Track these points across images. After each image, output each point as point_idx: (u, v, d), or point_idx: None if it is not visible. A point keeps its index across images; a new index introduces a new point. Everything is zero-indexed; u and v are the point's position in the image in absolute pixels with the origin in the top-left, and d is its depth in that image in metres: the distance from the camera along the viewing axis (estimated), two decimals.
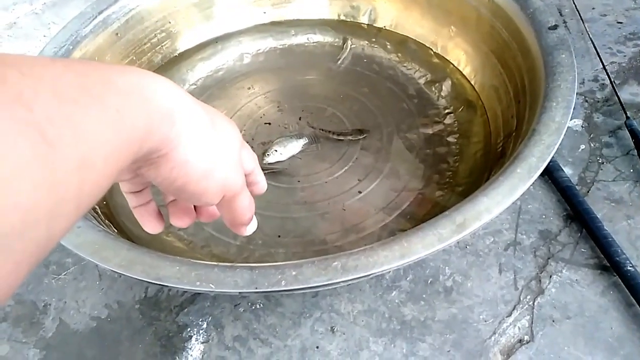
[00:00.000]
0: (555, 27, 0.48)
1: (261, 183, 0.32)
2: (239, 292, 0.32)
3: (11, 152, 0.11)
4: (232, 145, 0.26)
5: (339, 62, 0.68)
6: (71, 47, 0.55)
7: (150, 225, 0.29)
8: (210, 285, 0.32)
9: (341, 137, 0.58)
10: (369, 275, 0.32)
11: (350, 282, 0.37)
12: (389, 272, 0.48)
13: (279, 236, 0.50)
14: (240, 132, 0.60)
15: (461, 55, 0.62)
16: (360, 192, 0.53)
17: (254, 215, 0.31)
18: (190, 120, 0.21)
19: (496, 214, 0.34)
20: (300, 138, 0.58)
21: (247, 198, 0.28)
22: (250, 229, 0.31)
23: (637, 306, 0.42)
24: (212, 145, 0.23)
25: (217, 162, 0.24)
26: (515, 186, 0.35)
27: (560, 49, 0.45)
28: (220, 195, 0.26)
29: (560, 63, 0.44)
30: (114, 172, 0.16)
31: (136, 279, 0.33)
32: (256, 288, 0.31)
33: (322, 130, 0.58)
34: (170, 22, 0.66)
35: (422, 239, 0.33)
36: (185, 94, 0.22)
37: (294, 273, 0.32)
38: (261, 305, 0.46)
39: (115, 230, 0.45)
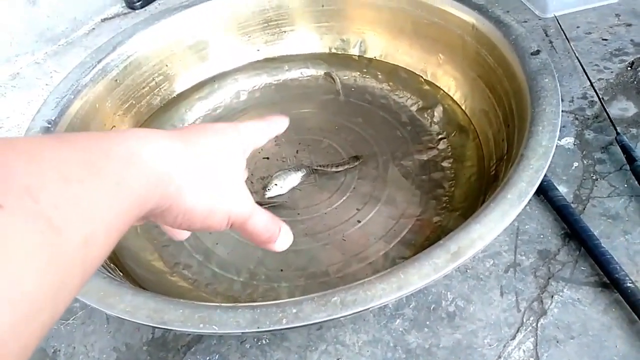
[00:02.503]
0: (537, 52, 0.49)
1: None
2: (242, 333, 0.32)
3: (18, 246, 0.12)
4: (234, 172, 0.27)
5: (341, 96, 0.70)
6: (72, 97, 0.57)
7: (177, 234, 0.31)
8: (214, 327, 0.32)
9: (339, 169, 0.59)
10: (368, 309, 0.33)
11: (352, 316, 0.38)
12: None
13: (282, 270, 0.51)
14: None
15: (450, 82, 0.63)
16: (359, 222, 0.54)
17: (287, 230, 0.31)
18: (187, 172, 0.23)
19: (489, 240, 0.35)
20: (298, 170, 0.59)
21: (261, 220, 0.29)
22: (280, 244, 0.31)
23: None
24: (211, 186, 0.25)
25: (218, 200, 0.25)
26: (507, 212, 0.36)
27: (544, 73, 0.47)
28: (228, 224, 0.27)
29: (544, 87, 0.45)
30: (116, 238, 0.18)
31: (141, 324, 0.34)
32: (258, 327, 0.32)
33: (320, 166, 0.59)
34: (167, 65, 0.68)
35: (418, 269, 0.34)
36: (179, 148, 0.23)
37: (294, 310, 0.33)
38: (267, 341, 0.47)
39: (121, 274, 0.46)
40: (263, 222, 0.29)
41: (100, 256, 0.17)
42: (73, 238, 0.15)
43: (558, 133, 0.41)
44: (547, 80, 0.46)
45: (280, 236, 0.31)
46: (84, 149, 0.17)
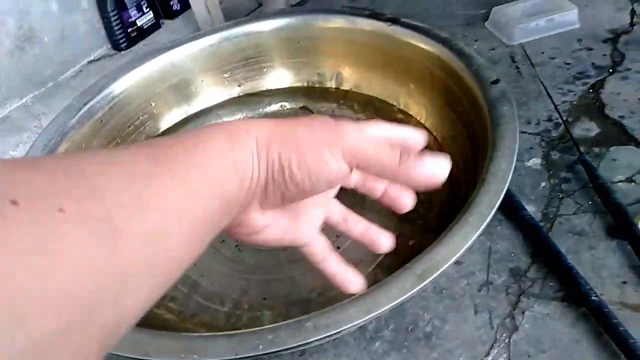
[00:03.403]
0: (497, 81, 0.53)
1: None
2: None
3: (72, 251, 0.13)
4: (331, 130, 0.27)
5: None
6: (60, 139, 0.59)
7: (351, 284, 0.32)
8: (194, 356, 0.34)
9: None
10: (340, 331, 0.35)
11: (326, 340, 0.40)
12: (372, 323, 0.50)
13: (265, 299, 0.52)
14: None
15: (422, 110, 0.67)
16: (338, 248, 0.56)
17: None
18: (285, 133, 0.24)
19: (452, 261, 0.37)
20: None
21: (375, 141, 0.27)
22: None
23: (606, 334, 0.45)
24: (312, 137, 0.26)
25: (328, 136, 0.26)
26: (468, 233, 0.38)
27: (502, 101, 0.50)
28: (347, 164, 0.26)
29: (503, 114, 0.48)
30: (198, 238, 0.17)
31: (125, 356, 0.35)
32: (236, 354, 0.34)
33: None
34: (151, 104, 0.71)
35: (386, 292, 0.36)
36: (264, 126, 0.25)
37: (270, 337, 0.34)
38: None
39: None
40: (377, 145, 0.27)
41: (177, 255, 0.16)
42: (134, 238, 0.15)
43: (515, 157, 0.44)
44: (505, 107, 0.49)
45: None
46: (152, 144, 0.18)
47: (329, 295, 0.52)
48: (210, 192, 0.19)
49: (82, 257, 0.13)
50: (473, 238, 0.38)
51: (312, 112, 0.75)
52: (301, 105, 0.76)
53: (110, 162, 0.15)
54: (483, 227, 0.39)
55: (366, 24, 0.69)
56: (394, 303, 0.35)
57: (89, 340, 0.14)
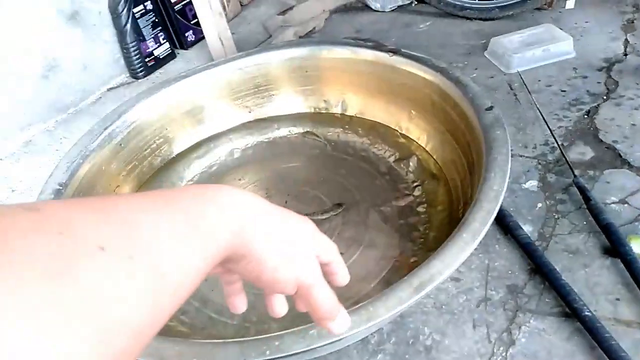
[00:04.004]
0: (491, 108, 0.56)
1: (341, 273, 0.33)
2: None
3: (135, 289, 0.17)
4: (304, 240, 0.29)
5: (327, 147, 0.77)
6: (81, 161, 0.63)
7: (232, 303, 0.33)
8: None
9: (324, 216, 0.65)
10: (341, 338, 0.37)
11: (329, 348, 0.42)
12: (374, 336, 0.52)
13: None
14: None
15: (423, 135, 0.70)
16: None
17: (346, 314, 0.32)
18: (261, 227, 0.26)
19: (447, 275, 0.39)
20: None
21: (324, 292, 0.29)
22: (338, 326, 0.31)
23: (599, 349, 0.46)
24: (283, 241, 0.28)
25: (287, 256, 0.28)
26: (462, 249, 0.41)
27: (496, 126, 0.53)
28: (295, 285, 0.28)
29: (496, 139, 0.51)
30: (199, 282, 0.22)
31: None
32: (245, 359, 0.36)
33: (307, 214, 0.64)
34: (167, 129, 0.75)
35: (384, 302, 0.38)
36: (258, 205, 0.27)
37: (276, 343, 0.37)
38: None
39: None
40: (327, 295, 0.29)
41: (184, 297, 0.21)
42: (170, 282, 0.19)
43: (507, 178, 0.47)
44: (498, 132, 0.52)
45: (339, 317, 0.31)
46: (186, 209, 0.22)
47: None
48: (221, 250, 0.24)
49: (140, 294, 0.18)
50: (468, 254, 0.40)
51: (317, 136, 0.79)
52: (306, 130, 0.80)
53: (156, 222, 0.20)
54: (476, 243, 0.41)
55: (369, 55, 0.73)
56: (392, 313, 0.38)
57: (135, 356, 0.18)
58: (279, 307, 0.33)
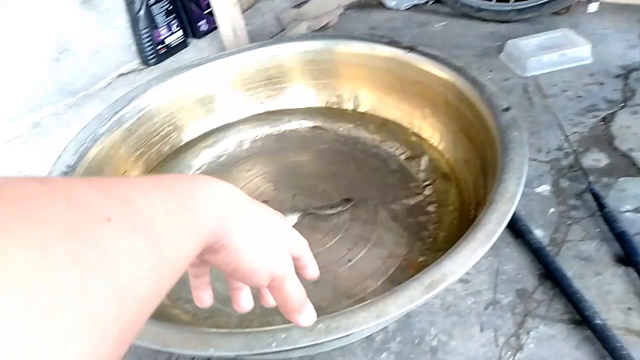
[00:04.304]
0: (508, 109, 0.55)
1: (311, 267, 0.34)
2: (236, 355, 0.36)
3: (138, 258, 0.18)
4: (278, 234, 0.31)
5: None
6: (90, 144, 0.63)
7: (199, 298, 0.33)
8: (211, 349, 0.36)
9: (332, 211, 0.64)
10: (349, 334, 0.36)
11: (336, 343, 0.41)
12: (379, 334, 0.51)
13: (277, 306, 0.54)
14: None
15: (435, 134, 0.69)
16: (350, 261, 0.58)
17: (312, 308, 0.33)
18: (242, 218, 0.27)
19: (459, 275, 0.39)
20: (295, 212, 0.64)
21: (296, 285, 0.31)
22: (306, 318, 0.32)
23: (610, 357, 0.45)
24: (260, 234, 0.29)
25: (264, 248, 0.29)
26: (475, 250, 0.40)
27: (513, 127, 0.52)
28: (269, 277, 0.29)
29: (513, 140, 0.50)
30: (188, 264, 0.22)
31: (147, 347, 0.37)
32: (250, 350, 0.35)
33: (314, 208, 0.64)
34: (177, 117, 0.75)
35: (395, 300, 0.38)
36: (241, 198, 0.28)
37: (283, 336, 0.36)
38: None
39: None
40: (298, 288, 0.31)
41: (177, 277, 0.21)
42: (168, 258, 0.20)
43: (523, 180, 0.46)
44: (515, 133, 0.51)
45: (306, 310, 0.32)
46: (178, 193, 0.23)
47: (338, 307, 0.53)
48: (206, 237, 0.24)
49: (146, 265, 0.18)
50: (481, 255, 0.40)
51: (326, 130, 0.78)
52: (316, 125, 0.79)
53: (153, 200, 0.21)
54: (490, 244, 0.41)
55: (385, 51, 0.72)
56: (402, 310, 0.37)
57: (134, 335, 0.18)
58: (245, 302, 0.34)
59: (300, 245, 0.33)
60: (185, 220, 0.22)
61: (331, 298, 0.54)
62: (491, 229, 0.42)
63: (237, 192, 0.28)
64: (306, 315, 0.32)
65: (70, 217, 0.16)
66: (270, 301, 0.33)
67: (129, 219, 0.18)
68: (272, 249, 0.30)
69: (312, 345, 0.36)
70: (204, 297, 0.34)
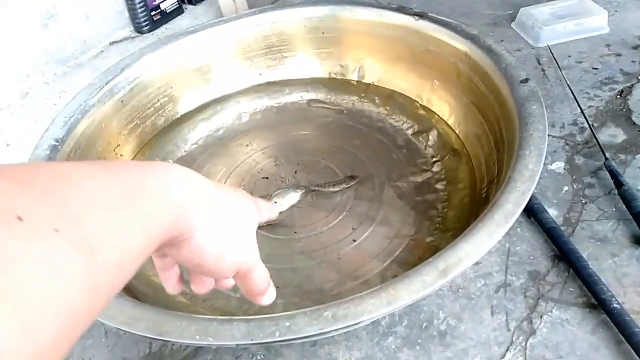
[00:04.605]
0: (526, 80, 0.51)
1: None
2: (236, 344, 0.34)
3: (64, 266, 0.15)
4: (246, 221, 0.29)
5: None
6: (80, 116, 0.59)
7: (170, 287, 0.32)
8: (209, 338, 0.34)
9: (335, 188, 0.61)
10: (358, 323, 0.34)
11: (342, 331, 0.39)
12: (385, 318, 0.49)
13: (278, 287, 0.51)
14: (239, 187, 0.63)
15: (445, 107, 0.66)
16: (354, 241, 0.55)
17: (272, 286, 0.33)
18: (206, 209, 0.25)
19: (476, 259, 0.36)
20: (297, 189, 0.61)
21: (262, 272, 0.31)
22: (268, 299, 0.32)
23: (626, 343, 0.43)
24: (227, 226, 0.27)
25: (229, 245, 0.27)
26: (493, 232, 0.38)
27: (532, 100, 0.49)
28: (235, 271, 0.28)
29: (532, 114, 0.47)
30: (141, 262, 0.20)
31: (140, 335, 0.35)
32: (252, 340, 0.33)
33: (317, 185, 0.61)
34: (172, 87, 0.71)
35: (407, 285, 0.35)
36: (203, 184, 0.25)
37: (287, 324, 0.34)
38: (262, 357, 0.48)
39: None
40: (263, 275, 0.31)
41: (126, 278, 0.19)
42: (107, 262, 0.17)
43: (544, 157, 0.43)
44: (534, 107, 0.48)
45: (269, 291, 0.32)
46: (123, 180, 0.19)
47: (342, 289, 0.51)
48: (160, 232, 0.21)
49: (72, 272, 0.15)
50: (499, 237, 0.37)
51: (329, 103, 0.74)
52: (316, 97, 0.76)
53: (88, 192, 0.17)
54: (509, 226, 0.38)
55: (393, 17, 0.68)
56: (416, 297, 0.34)
57: (72, 345, 0.16)
58: (179, 284, 0.32)
59: (270, 213, 0.33)
60: (130, 214, 0.19)
61: (335, 279, 0.52)
62: (510, 209, 0.39)
63: (198, 178, 0.25)
64: (268, 295, 0.32)
65: None
66: (201, 290, 0.32)
67: (50, 217, 0.15)
68: (240, 242, 0.28)
69: (318, 334, 0.34)
70: (176, 285, 0.32)
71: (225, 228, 0.26)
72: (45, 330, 0.14)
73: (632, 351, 0.43)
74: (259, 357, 0.48)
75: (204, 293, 0.32)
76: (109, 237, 0.17)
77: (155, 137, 0.69)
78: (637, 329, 0.43)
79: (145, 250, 0.20)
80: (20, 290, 0.13)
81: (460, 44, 0.61)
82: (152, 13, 1.02)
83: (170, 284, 0.32)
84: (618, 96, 0.72)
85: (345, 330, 0.37)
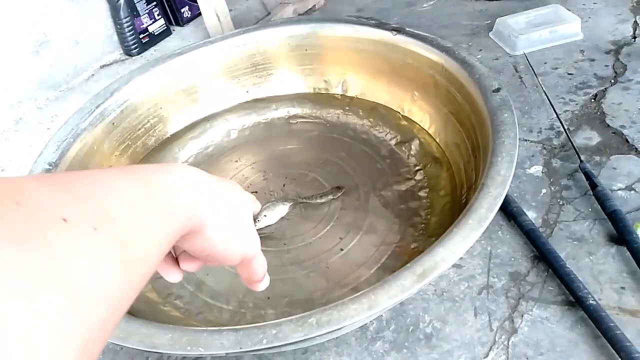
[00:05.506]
0: (498, 90, 0.54)
1: None
2: (226, 353, 0.35)
3: (103, 259, 0.17)
4: (246, 212, 0.31)
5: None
6: (72, 140, 0.61)
7: (171, 275, 0.33)
8: (200, 349, 0.35)
9: (323, 200, 0.63)
10: (341, 328, 0.36)
11: (328, 336, 0.41)
12: (373, 323, 0.51)
13: (269, 298, 0.54)
14: None
15: (425, 117, 0.68)
16: (342, 250, 0.57)
17: (267, 274, 0.34)
18: (214, 203, 0.27)
19: (452, 262, 0.38)
20: (285, 202, 0.63)
21: (262, 260, 0.33)
22: (263, 285, 0.34)
23: (603, 338, 0.45)
24: (232, 218, 0.29)
25: (236, 235, 0.29)
26: (468, 235, 0.39)
27: (503, 109, 0.51)
28: (240, 258, 0.31)
29: (504, 122, 0.49)
30: (164, 256, 0.22)
31: (134, 348, 0.37)
32: (240, 348, 0.35)
33: (305, 197, 0.63)
34: (161, 108, 0.73)
35: (387, 290, 0.37)
36: (209, 180, 0.28)
37: (274, 332, 0.36)
38: None
39: None
40: (263, 263, 0.33)
41: (150, 273, 0.20)
42: (137, 254, 0.19)
43: (515, 163, 0.45)
44: (506, 115, 0.50)
45: (265, 278, 0.34)
46: (145, 183, 0.22)
47: (331, 297, 0.53)
48: (179, 228, 0.23)
49: (110, 264, 0.17)
50: (473, 241, 0.39)
51: (315, 117, 0.76)
52: (301, 112, 0.78)
53: (116, 193, 0.20)
54: (482, 230, 0.40)
55: (372, 33, 0.70)
56: (395, 301, 0.36)
57: (110, 335, 0.17)
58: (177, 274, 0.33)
59: (257, 205, 0.35)
60: (154, 212, 0.21)
61: (324, 288, 0.54)
62: (483, 214, 0.41)
63: (204, 174, 0.28)
64: (264, 282, 0.34)
65: (21, 220, 0.14)
66: (191, 269, 0.32)
67: (89, 217, 0.17)
68: (243, 231, 0.30)
69: (303, 340, 0.35)
70: (174, 277, 0.32)
71: (231, 219, 0.29)
72: (92, 314, 0.16)
73: (609, 345, 0.45)
74: None
75: (194, 271, 0.33)
76: (137, 234, 0.19)
77: (147, 157, 0.71)
78: (612, 324, 0.45)
79: (166, 244, 0.22)
80: (70, 279, 0.15)
81: (437, 57, 0.63)
82: (141, 36, 1.05)
83: (172, 275, 0.32)
84: (592, 100, 0.74)
85: (330, 335, 0.39)
